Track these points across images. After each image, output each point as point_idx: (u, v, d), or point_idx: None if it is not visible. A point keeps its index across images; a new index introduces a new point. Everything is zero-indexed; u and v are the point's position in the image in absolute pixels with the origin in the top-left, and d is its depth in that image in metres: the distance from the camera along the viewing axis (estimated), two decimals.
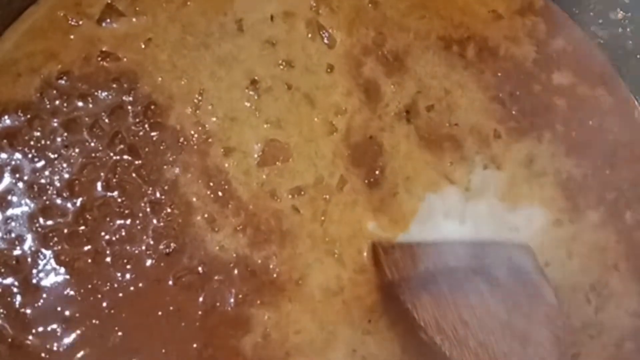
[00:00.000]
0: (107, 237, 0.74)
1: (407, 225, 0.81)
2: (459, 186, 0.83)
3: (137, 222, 0.75)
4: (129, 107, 0.77)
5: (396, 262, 0.77)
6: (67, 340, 0.72)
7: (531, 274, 0.79)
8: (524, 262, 0.81)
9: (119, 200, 0.75)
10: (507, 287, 0.77)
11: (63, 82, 0.77)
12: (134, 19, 0.80)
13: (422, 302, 0.74)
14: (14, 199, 0.74)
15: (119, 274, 0.74)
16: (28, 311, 0.72)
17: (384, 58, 0.85)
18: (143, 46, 0.79)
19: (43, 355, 0.71)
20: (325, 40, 0.84)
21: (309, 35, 0.83)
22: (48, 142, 0.75)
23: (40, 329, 0.71)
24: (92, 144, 0.76)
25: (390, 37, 0.85)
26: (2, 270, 0.72)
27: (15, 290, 0.72)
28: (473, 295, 0.76)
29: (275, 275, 0.77)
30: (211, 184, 0.77)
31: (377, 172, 0.82)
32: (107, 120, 0.77)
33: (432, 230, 0.81)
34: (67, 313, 0.72)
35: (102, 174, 0.75)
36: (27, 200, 0.74)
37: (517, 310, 0.76)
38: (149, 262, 0.74)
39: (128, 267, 0.74)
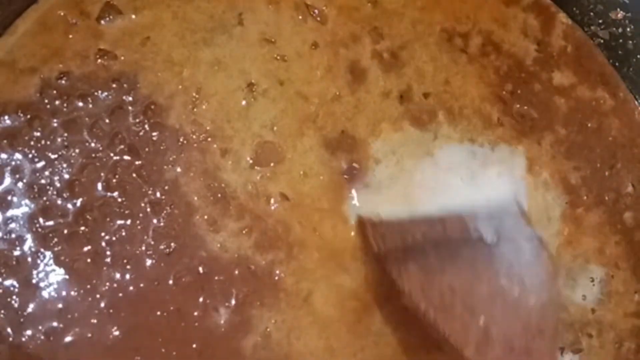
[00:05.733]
0: (107, 237, 0.74)
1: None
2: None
3: (138, 222, 0.75)
4: (129, 108, 0.77)
5: (383, 235, 0.77)
6: (67, 339, 0.72)
7: (523, 239, 0.78)
8: (517, 228, 0.79)
9: (119, 200, 0.75)
10: (498, 253, 0.76)
11: (63, 82, 0.77)
12: (132, 16, 0.80)
13: (409, 272, 0.74)
14: (14, 199, 0.74)
15: (118, 274, 0.74)
16: (28, 311, 0.72)
17: (379, 55, 0.85)
18: (141, 44, 0.79)
19: (42, 355, 0.71)
20: (318, 19, 0.83)
21: (300, 17, 0.83)
22: (48, 143, 0.75)
23: (40, 329, 0.72)
24: (92, 145, 0.76)
25: (388, 26, 0.85)
26: (2, 270, 0.72)
27: (15, 290, 0.72)
28: (462, 263, 0.75)
29: (277, 279, 0.77)
30: (211, 184, 0.77)
31: (355, 165, 0.81)
32: (107, 121, 0.77)
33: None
34: (66, 313, 0.72)
35: (102, 174, 0.75)
36: (27, 201, 0.74)
37: (508, 276, 0.75)
38: (149, 262, 0.74)
39: (128, 267, 0.74)
